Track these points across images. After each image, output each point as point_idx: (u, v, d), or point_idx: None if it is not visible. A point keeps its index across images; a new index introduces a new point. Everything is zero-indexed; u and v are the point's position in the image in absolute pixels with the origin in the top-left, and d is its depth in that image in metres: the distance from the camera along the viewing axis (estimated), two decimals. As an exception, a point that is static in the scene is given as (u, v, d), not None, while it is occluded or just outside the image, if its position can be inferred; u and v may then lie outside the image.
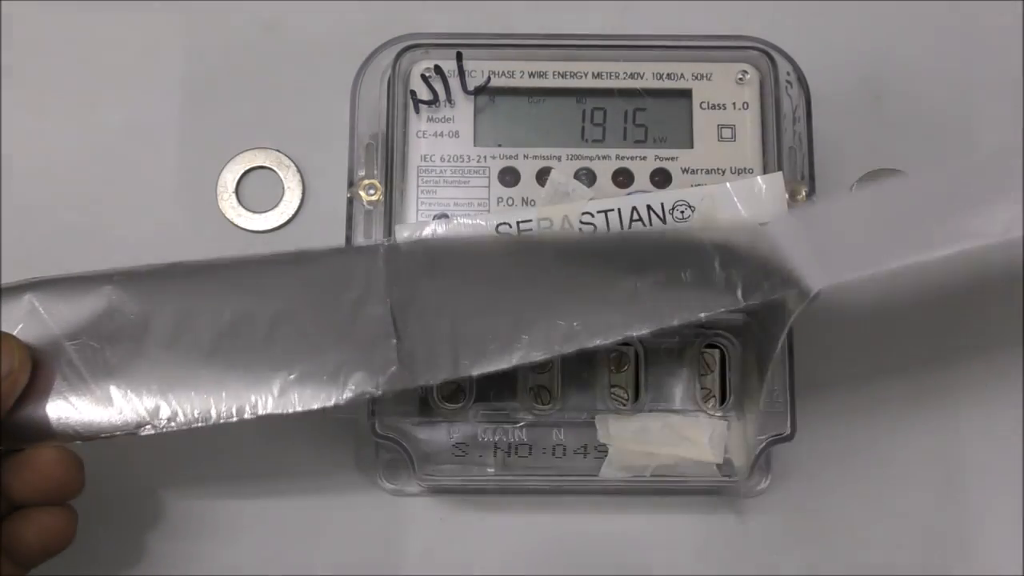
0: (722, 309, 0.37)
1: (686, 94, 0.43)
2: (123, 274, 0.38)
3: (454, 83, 0.43)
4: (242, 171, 0.47)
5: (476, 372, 0.37)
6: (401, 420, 0.41)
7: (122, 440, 0.37)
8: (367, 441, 0.43)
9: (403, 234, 0.40)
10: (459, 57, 0.43)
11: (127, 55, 0.48)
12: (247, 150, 0.47)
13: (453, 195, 0.42)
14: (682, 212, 0.41)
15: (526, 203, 0.42)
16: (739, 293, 0.37)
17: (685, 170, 0.42)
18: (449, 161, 0.42)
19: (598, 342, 0.37)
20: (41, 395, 0.37)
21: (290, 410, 0.36)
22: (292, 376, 0.37)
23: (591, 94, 0.43)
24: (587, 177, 0.42)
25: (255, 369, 0.37)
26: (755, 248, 0.38)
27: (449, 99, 0.43)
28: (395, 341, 0.37)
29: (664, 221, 0.40)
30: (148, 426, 0.37)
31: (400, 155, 0.42)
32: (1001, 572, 0.44)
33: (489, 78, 0.43)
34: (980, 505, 0.44)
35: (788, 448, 0.41)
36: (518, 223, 0.40)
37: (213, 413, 0.37)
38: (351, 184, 0.42)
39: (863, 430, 0.44)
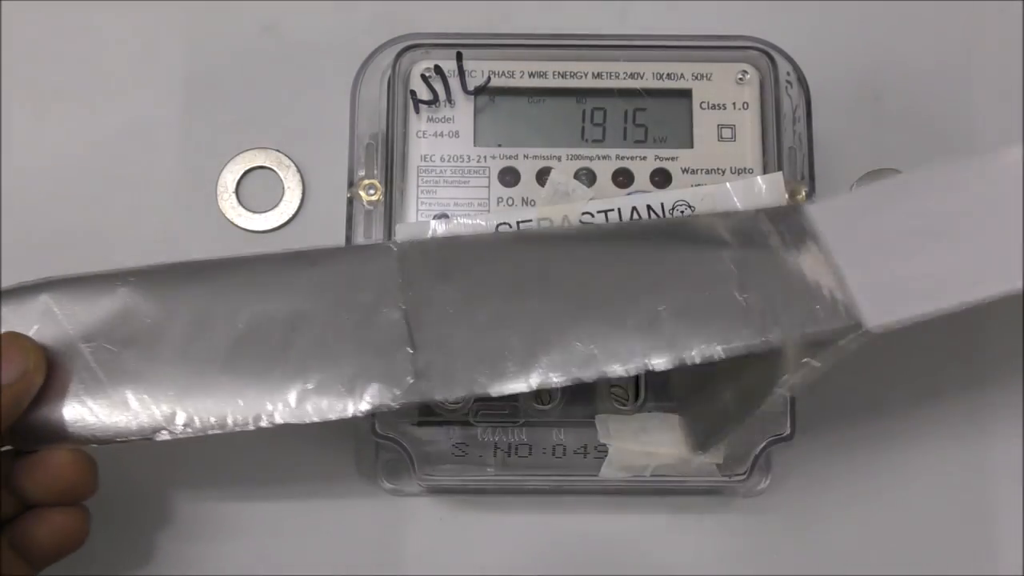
0: (744, 344, 0.36)
1: (686, 94, 0.43)
2: (137, 274, 0.38)
3: (454, 83, 0.43)
4: (242, 171, 0.47)
5: (494, 392, 0.36)
6: (401, 420, 0.41)
7: (133, 443, 0.37)
8: (367, 441, 0.43)
9: (403, 234, 0.40)
10: (459, 57, 0.43)
11: (127, 55, 0.48)
12: (247, 150, 0.47)
13: (453, 195, 0.42)
14: (682, 212, 0.41)
15: (526, 203, 0.42)
16: (765, 326, 0.36)
17: (685, 170, 0.42)
18: (449, 161, 0.42)
19: (617, 368, 0.36)
20: (56, 397, 0.36)
21: (307, 420, 0.36)
22: (309, 385, 0.36)
23: (591, 94, 0.43)
24: (587, 177, 0.42)
25: (271, 377, 0.37)
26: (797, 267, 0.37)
27: (449, 99, 0.43)
28: (411, 351, 0.37)
29: (664, 221, 0.40)
30: (164, 431, 0.36)
31: (400, 155, 0.42)
32: (1001, 572, 0.44)
33: (489, 78, 0.43)
34: (980, 505, 0.44)
35: (788, 448, 0.41)
36: (518, 223, 0.40)
37: (230, 420, 0.36)
38: (351, 184, 0.42)
39: (863, 430, 0.44)
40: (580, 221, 0.40)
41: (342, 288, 0.38)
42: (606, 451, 0.40)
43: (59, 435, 0.36)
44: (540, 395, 0.41)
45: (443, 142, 0.42)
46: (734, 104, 0.43)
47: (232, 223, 0.46)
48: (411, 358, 0.37)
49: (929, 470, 0.44)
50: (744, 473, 0.40)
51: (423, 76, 0.43)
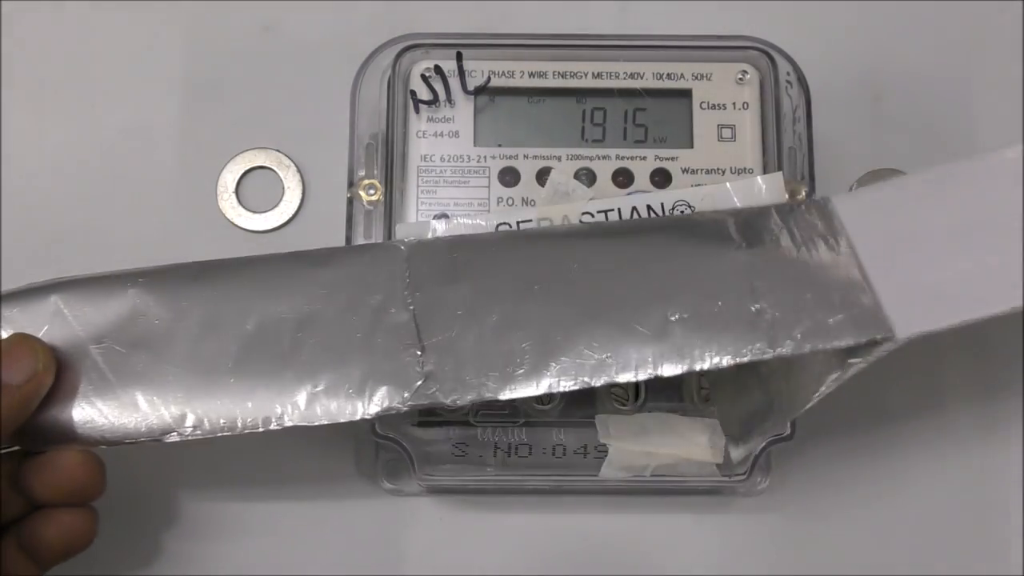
0: (755, 356, 0.36)
1: (686, 94, 0.43)
2: (147, 276, 0.38)
3: (454, 83, 0.43)
4: (242, 171, 0.47)
5: (503, 397, 0.36)
6: (401, 420, 0.41)
7: (141, 445, 0.37)
8: (367, 441, 0.43)
9: (403, 234, 0.40)
10: (459, 57, 0.43)
11: (127, 55, 0.48)
12: (247, 150, 0.47)
13: (453, 195, 0.42)
14: (682, 212, 0.41)
15: (526, 203, 0.42)
16: (776, 337, 0.36)
17: (685, 170, 0.42)
18: (449, 161, 0.42)
19: (627, 375, 0.36)
20: (65, 398, 0.36)
21: (316, 423, 0.36)
22: (318, 388, 0.36)
23: (591, 94, 0.43)
24: (587, 177, 0.42)
25: (281, 379, 0.37)
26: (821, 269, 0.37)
27: (449, 99, 0.43)
28: (419, 353, 0.37)
29: (664, 221, 0.40)
30: (174, 433, 0.36)
31: (400, 155, 0.42)
32: (1002, 572, 0.44)
33: (489, 78, 0.43)
34: (980, 504, 0.44)
35: (788, 448, 0.41)
36: (518, 223, 0.40)
37: (239, 423, 0.36)
38: (351, 184, 0.42)
39: (863, 430, 0.44)
40: (580, 221, 0.40)
41: (351, 289, 0.38)
42: (606, 451, 0.40)
43: (68, 436, 0.36)
44: (540, 395, 0.41)
45: (443, 142, 0.42)
46: (734, 104, 0.43)
47: (232, 223, 0.46)
48: (420, 360, 0.37)
49: (929, 470, 0.44)
50: (744, 473, 0.40)
51: (423, 76, 0.43)
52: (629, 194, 0.42)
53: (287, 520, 0.43)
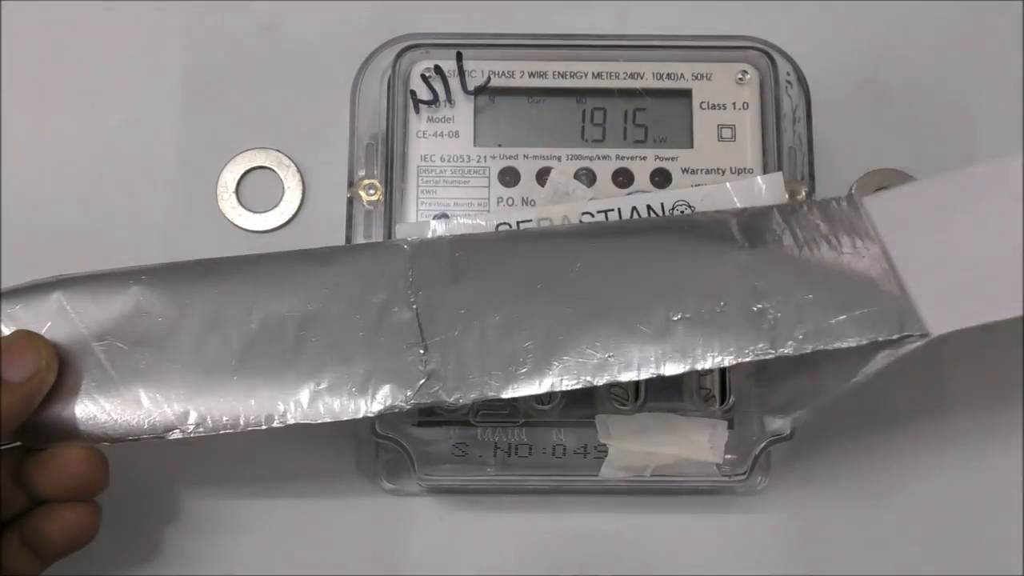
0: (757, 356, 0.36)
1: (686, 94, 0.43)
2: (150, 273, 0.38)
3: (454, 83, 0.43)
4: (242, 171, 0.47)
5: (506, 395, 0.36)
6: (401, 420, 0.41)
7: (144, 442, 0.37)
8: (367, 441, 0.43)
9: (403, 234, 0.40)
10: (459, 57, 0.43)
11: (127, 55, 0.48)
12: (247, 150, 0.47)
13: (453, 195, 0.42)
14: (682, 212, 0.41)
15: (526, 203, 0.42)
16: (777, 337, 0.36)
17: (685, 170, 0.42)
18: (449, 161, 0.42)
19: (629, 375, 0.36)
20: (68, 395, 0.36)
21: (319, 421, 0.36)
22: (321, 386, 0.37)
23: (591, 94, 0.43)
24: (587, 177, 0.42)
25: (284, 377, 0.37)
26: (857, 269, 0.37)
27: (449, 99, 0.43)
28: (422, 352, 0.37)
29: (664, 221, 0.40)
30: (176, 431, 0.36)
31: (400, 155, 0.42)
32: (1001, 572, 0.44)
33: (489, 78, 0.43)
34: (980, 504, 0.44)
35: (788, 448, 0.41)
36: (518, 223, 0.40)
37: (242, 420, 0.36)
38: (351, 184, 0.42)
39: (862, 430, 0.44)
40: (580, 221, 0.40)
41: (354, 288, 0.38)
42: (606, 451, 0.40)
43: (71, 433, 0.36)
44: (540, 395, 0.41)
45: (443, 142, 0.42)
46: (734, 104, 0.43)
47: (232, 223, 0.46)
48: (423, 359, 0.37)
49: (929, 470, 0.44)
50: (744, 473, 0.41)
51: (423, 76, 0.43)
52: (629, 194, 0.42)
53: (287, 520, 0.43)
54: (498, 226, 0.40)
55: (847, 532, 0.44)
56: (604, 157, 0.42)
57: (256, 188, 0.47)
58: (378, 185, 0.42)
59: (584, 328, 0.37)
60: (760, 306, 0.36)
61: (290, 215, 0.46)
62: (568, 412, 0.41)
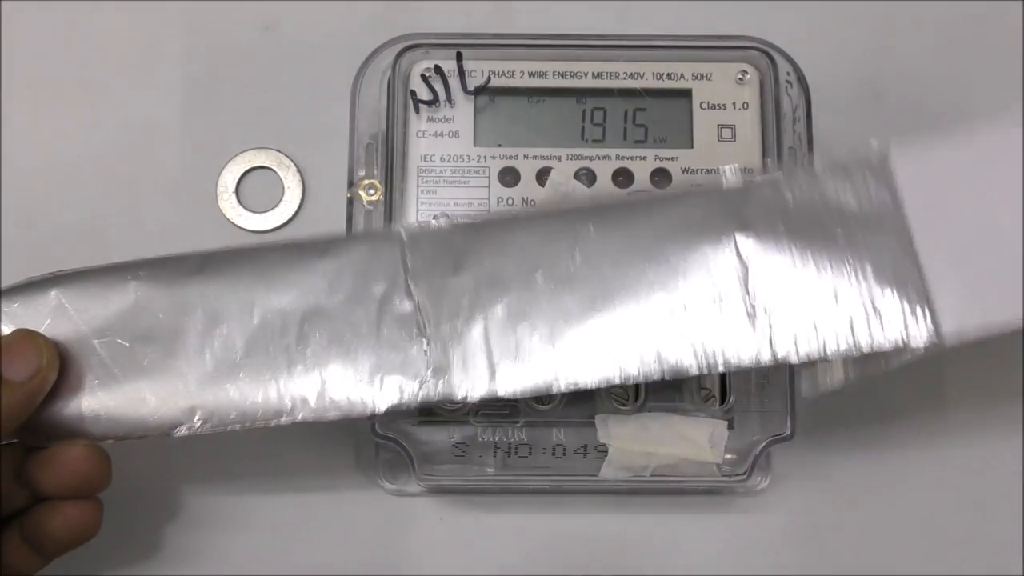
0: (752, 361, 0.36)
1: (686, 94, 0.43)
2: (147, 268, 0.38)
3: (454, 83, 0.43)
4: (242, 171, 0.47)
5: (513, 391, 0.36)
6: (401, 420, 0.41)
7: (148, 439, 0.37)
8: (367, 441, 0.43)
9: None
10: (459, 57, 0.43)
11: (127, 55, 0.48)
12: (247, 150, 0.47)
13: (453, 195, 0.42)
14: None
15: (526, 203, 0.42)
16: (772, 339, 0.36)
17: (685, 170, 0.42)
18: (449, 161, 0.42)
19: (634, 373, 0.36)
20: (70, 393, 0.36)
21: (327, 417, 0.36)
22: (327, 382, 0.37)
23: (591, 94, 0.43)
24: (587, 177, 0.42)
25: (290, 372, 0.37)
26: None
27: (449, 99, 0.43)
28: (426, 344, 0.37)
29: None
30: (183, 427, 0.36)
31: (400, 155, 0.42)
32: (1001, 572, 0.44)
33: (489, 78, 0.43)
34: (980, 504, 0.44)
35: (788, 448, 0.41)
36: (518, 223, 0.40)
37: (249, 417, 0.36)
38: (351, 184, 0.42)
39: (863, 429, 0.44)
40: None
41: (353, 279, 0.38)
42: (606, 451, 0.40)
43: (74, 431, 0.36)
44: (542, 394, 0.41)
45: (443, 142, 0.42)
46: (734, 104, 0.43)
47: (232, 223, 0.46)
48: (427, 352, 0.37)
49: (929, 470, 0.44)
50: (744, 473, 0.41)
51: (423, 76, 0.43)
52: (629, 194, 0.42)
53: (287, 519, 0.43)
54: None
55: (847, 532, 0.44)
56: (604, 157, 0.42)
57: (256, 188, 0.47)
58: (378, 185, 0.42)
59: (586, 322, 0.37)
60: (759, 306, 0.36)
61: (290, 215, 0.46)
62: (568, 412, 0.41)
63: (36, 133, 0.47)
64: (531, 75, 0.43)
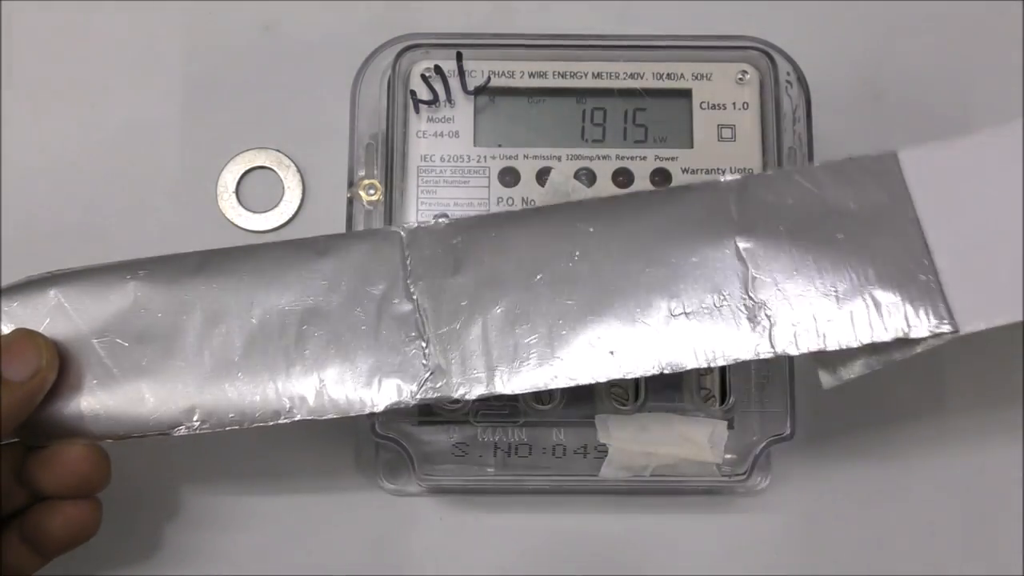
0: (752, 357, 0.36)
1: (686, 94, 0.43)
2: (145, 267, 0.38)
3: (454, 83, 0.43)
4: (242, 171, 0.47)
5: (512, 391, 0.36)
6: (401, 420, 0.41)
7: (147, 439, 0.37)
8: (367, 441, 0.43)
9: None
10: (459, 57, 0.43)
11: (127, 55, 0.48)
12: (247, 150, 0.47)
13: (453, 195, 0.42)
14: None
15: (526, 203, 0.42)
16: (772, 335, 0.36)
17: (685, 170, 0.42)
18: (449, 161, 0.42)
19: (633, 371, 0.36)
20: (70, 393, 0.36)
21: (325, 416, 0.36)
22: (326, 381, 0.37)
23: (591, 94, 0.43)
24: (587, 177, 0.42)
25: (288, 372, 0.37)
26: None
27: (449, 99, 0.43)
28: (425, 346, 0.37)
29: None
30: (182, 427, 0.36)
31: (400, 155, 0.42)
32: (1002, 572, 0.44)
33: (489, 78, 0.43)
34: (980, 504, 0.44)
35: (788, 448, 0.41)
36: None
37: (248, 416, 0.36)
38: (351, 184, 0.42)
39: (863, 429, 0.44)
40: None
41: (352, 279, 0.38)
42: (606, 451, 0.40)
43: (73, 431, 0.36)
44: (540, 394, 0.41)
45: (443, 142, 0.42)
46: (734, 104, 0.43)
47: (232, 223, 0.46)
48: (426, 353, 0.37)
49: (929, 470, 0.44)
50: (744, 473, 0.41)
51: (423, 76, 0.43)
52: (629, 194, 0.42)
53: (287, 519, 0.43)
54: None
55: (847, 532, 0.44)
56: (604, 157, 0.42)
57: (256, 188, 0.47)
58: (378, 185, 0.42)
59: (586, 322, 0.37)
60: (759, 299, 0.36)
61: (290, 215, 0.46)
62: (568, 412, 0.41)
63: (36, 133, 0.47)
64: (531, 75, 0.43)
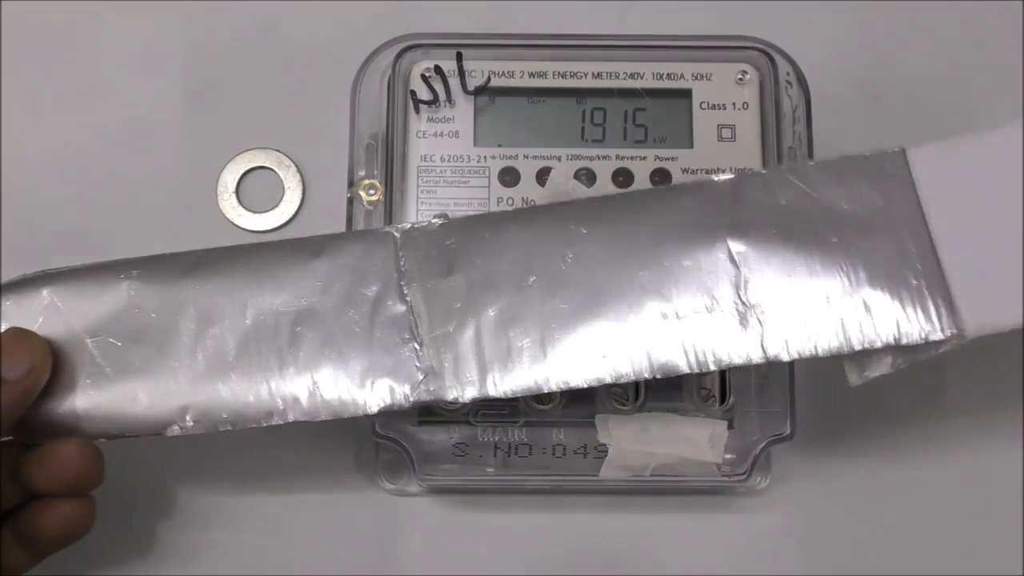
0: (744, 360, 0.36)
1: (686, 94, 0.43)
2: (139, 267, 0.38)
3: (454, 83, 0.43)
4: (242, 171, 0.47)
5: (505, 394, 0.36)
6: (401, 420, 0.41)
7: (141, 439, 0.37)
8: (367, 441, 0.43)
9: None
10: (459, 57, 0.43)
11: (127, 55, 0.48)
12: (247, 150, 0.47)
13: (453, 195, 0.42)
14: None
15: (526, 203, 0.42)
16: (764, 336, 0.36)
17: (685, 170, 0.42)
18: (449, 161, 0.42)
19: (627, 375, 0.36)
20: (63, 392, 0.36)
21: (319, 418, 0.36)
22: (319, 383, 0.37)
23: (591, 94, 0.43)
24: (587, 177, 0.42)
25: (282, 373, 0.37)
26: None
27: (449, 99, 0.43)
28: (418, 348, 0.37)
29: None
30: (175, 427, 0.36)
31: (400, 155, 0.42)
32: (1002, 572, 0.44)
33: (489, 78, 0.43)
34: (980, 504, 0.44)
35: (788, 448, 0.41)
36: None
37: (240, 418, 0.36)
38: (351, 184, 0.42)
39: (863, 429, 0.44)
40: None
41: (346, 280, 0.38)
42: (606, 451, 0.40)
43: (67, 429, 0.36)
44: (540, 395, 0.41)
45: (443, 142, 0.42)
46: (734, 104, 0.43)
47: (232, 223, 0.46)
48: (419, 355, 0.37)
49: (929, 470, 0.44)
50: (744, 473, 0.41)
51: (423, 76, 0.43)
52: (622, 194, 0.42)
53: (287, 519, 0.43)
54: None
55: (847, 532, 0.44)
56: (604, 157, 0.42)
57: (256, 188, 0.47)
58: (378, 185, 0.42)
59: (578, 325, 0.37)
60: (751, 302, 0.36)
61: (290, 215, 0.46)
62: (568, 412, 0.41)
63: (36, 133, 0.47)
64: (531, 75, 0.43)
